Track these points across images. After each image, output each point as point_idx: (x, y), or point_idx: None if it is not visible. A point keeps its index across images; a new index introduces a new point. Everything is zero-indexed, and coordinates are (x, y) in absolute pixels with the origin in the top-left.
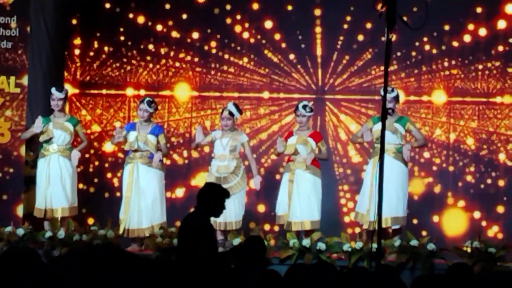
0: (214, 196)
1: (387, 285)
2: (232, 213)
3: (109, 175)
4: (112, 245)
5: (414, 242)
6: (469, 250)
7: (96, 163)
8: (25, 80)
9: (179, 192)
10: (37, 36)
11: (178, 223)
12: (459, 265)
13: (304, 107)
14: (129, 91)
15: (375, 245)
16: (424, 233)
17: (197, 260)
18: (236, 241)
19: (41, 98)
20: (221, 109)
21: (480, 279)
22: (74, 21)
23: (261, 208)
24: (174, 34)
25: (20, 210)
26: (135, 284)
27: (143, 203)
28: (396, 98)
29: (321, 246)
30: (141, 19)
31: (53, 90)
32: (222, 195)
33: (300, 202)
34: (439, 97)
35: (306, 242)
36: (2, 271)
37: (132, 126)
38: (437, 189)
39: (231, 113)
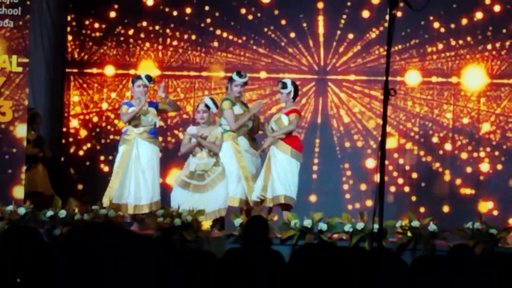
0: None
1: (387, 265)
2: (214, 202)
3: (102, 157)
4: (114, 224)
5: (415, 223)
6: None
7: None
8: (27, 60)
9: None
10: (39, 15)
11: None
12: (460, 246)
13: (278, 83)
14: (127, 70)
15: (376, 226)
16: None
17: None
18: (238, 221)
19: (43, 77)
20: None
21: (481, 260)
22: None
23: None
24: (169, 10)
25: (21, 189)
26: (137, 263)
27: (142, 179)
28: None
29: (323, 226)
30: None
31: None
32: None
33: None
34: (445, 77)
35: (307, 222)
36: (4, 249)
37: (129, 104)
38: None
39: (207, 106)
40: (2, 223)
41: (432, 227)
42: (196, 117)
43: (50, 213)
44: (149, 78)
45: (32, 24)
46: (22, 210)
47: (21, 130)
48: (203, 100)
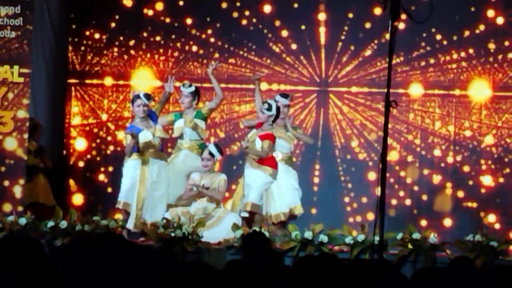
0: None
1: (387, 278)
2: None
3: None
4: (115, 234)
5: (416, 235)
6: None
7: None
8: (28, 70)
9: None
10: (40, 26)
11: None
12: (461, 258)
13: (263, 103)
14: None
15: (377, 238)
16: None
17: None
18: (238, 233)
19: (44, 87)
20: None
21: (481, 272)
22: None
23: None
24: (169, 20)
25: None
26: (138, 273)
27: (157, 196)
28: (194, 94)
29: (323, 238)
30: (138, 7)
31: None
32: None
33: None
34: (447, 90)
35: (308, 234)
36: (3, 255)
37: (136, 128)
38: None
39: (211, 154)
40: (3, 233)
41: (432, 239)
42: (201, 164)
43: (51, 223)
44: (147, 96)
45: (34, 35)
46: (23, 221)
47: (12, 143)
48: (208, 147)
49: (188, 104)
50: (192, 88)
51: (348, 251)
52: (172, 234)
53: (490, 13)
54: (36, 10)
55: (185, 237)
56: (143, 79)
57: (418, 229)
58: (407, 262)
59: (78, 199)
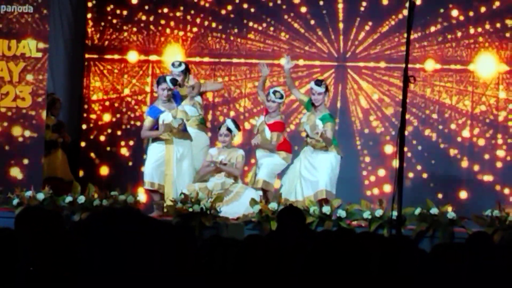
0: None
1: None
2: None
3: (122, 143)
4: (133, 209)
5: (434, 210)
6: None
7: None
8: (46, 45)
9: None
10: (58, 1)
11: None
12: (479, 233)
13: (275, 92)
14: (149, 57)
15: (395, 213)
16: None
17: None
18: (256, 208)
19: (63, 62)
20: (219, 125)
21: (500, 247)
22: None
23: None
24: None
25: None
26: (156, 249)
27: (181, 178)
28: (184, 72)
29: (341, 213)
30: None
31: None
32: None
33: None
34: (464, 65)
35: (326, 209)
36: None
37: (158, 110)
38: (464, 163)
39: (229, 129)
40: (21, 208)
41: (450, 214)
42: (219, 140)
43: (69, 198)
44: (173, 81)
45: (52, 10)
46: (41, 196)
47: (41, 115)
48: (225, 123)
49: (182, 82)
50: (182, 67)
51: (366, 226)
52: (190, 210)
53: None
54: None
55: (203, 212)
56: (163, 55)
57: (435, 202)
58: (425, 237)
59: (100, 172)
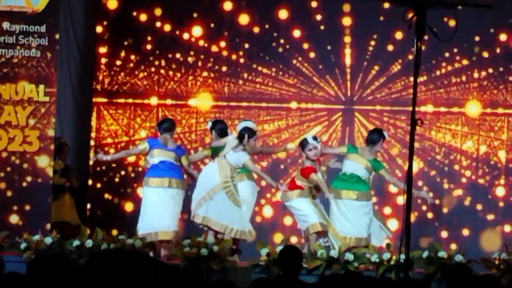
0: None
1: None
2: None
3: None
4: (139, 252)
5: (442, 254)
6: (496, 262)
7: (122, 173)
8: (54, 89)
9: None
10: (66, 45)
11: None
12: (487, 276)
13: (315, 138)
14: (156, 100)
15: (403, 256)
16: (453, 246)
17: None
18: (264, 251)
19: (70, 107)
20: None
21: None
22: (100, 29)
23: (288, 220)
24: (202, 43)
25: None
26: None
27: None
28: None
29: (349, 256)
30: (167, 28)
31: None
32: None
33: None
34: (470, 108)
35: (334, 252)
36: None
37: (156, 143)
38: (467, 202)
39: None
40: (28, 253)
41: (458, 257)
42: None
43: (76, 243)
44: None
45: (60, 54)
46: (48, 240)
47: (45, 161)
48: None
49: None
50: (209, 125)
51: (374, 270)
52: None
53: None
54: (61, 29)
55: (211, 255)
56: (169, 99)
57: (439, 241)
58: (433, 281)
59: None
